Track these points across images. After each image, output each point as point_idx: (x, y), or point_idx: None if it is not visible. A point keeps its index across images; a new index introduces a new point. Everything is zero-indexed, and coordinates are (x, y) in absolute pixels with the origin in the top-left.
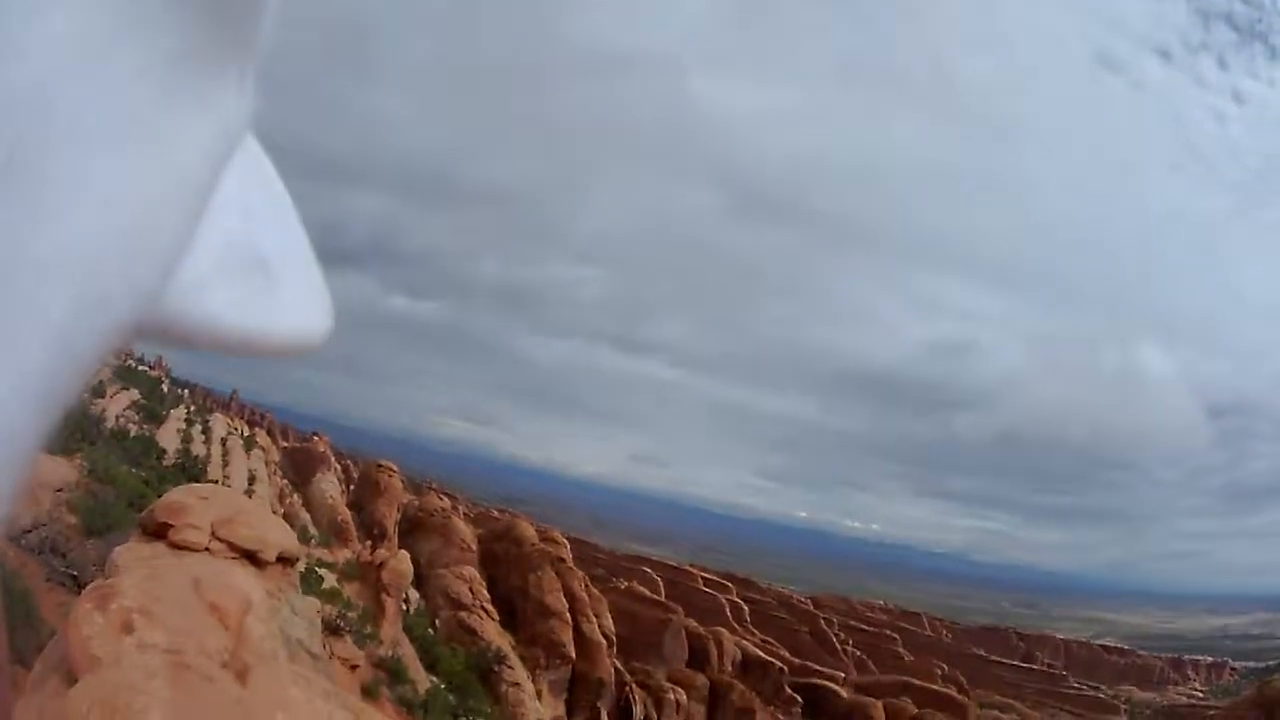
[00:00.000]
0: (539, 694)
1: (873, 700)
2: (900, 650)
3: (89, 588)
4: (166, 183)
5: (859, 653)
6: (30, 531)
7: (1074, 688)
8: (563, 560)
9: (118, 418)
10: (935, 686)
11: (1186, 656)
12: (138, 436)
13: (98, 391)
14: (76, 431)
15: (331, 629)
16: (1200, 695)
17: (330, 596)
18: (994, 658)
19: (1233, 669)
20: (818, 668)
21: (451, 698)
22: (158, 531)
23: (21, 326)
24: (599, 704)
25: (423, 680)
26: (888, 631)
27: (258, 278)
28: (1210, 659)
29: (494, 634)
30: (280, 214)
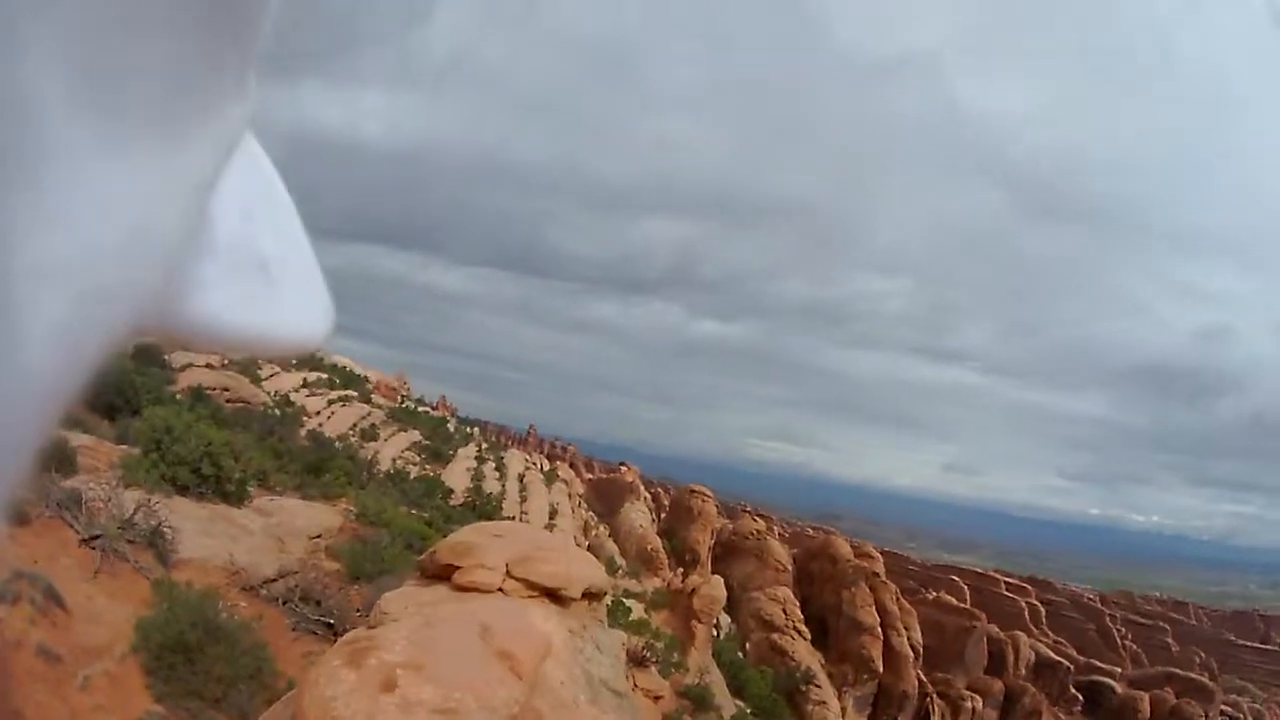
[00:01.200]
0: (843, 711)
1: (1141, 694)
2: (1169, 641)
3: (342, 639)
4: (167, 183)
5: (1135, 646)
6: (274, 581)
7: None
8: (877, 574)
9: (394, 460)
10: (1193, 675)
11: None
12: (419, 478)
13: (368, 435)
14: (341, 477)
15: (637, 660)
16: None
17: (638, 628)
18: (1241, 641)
19: None
20: (1099, 664)
21: None
22: (440, 574)
23: (22, 327)
24: (900, 716)
25: (729, 706)
26: (1160, 623)
27: (257, 279)
28: None
29: (805, 653)
30: (281, 215)
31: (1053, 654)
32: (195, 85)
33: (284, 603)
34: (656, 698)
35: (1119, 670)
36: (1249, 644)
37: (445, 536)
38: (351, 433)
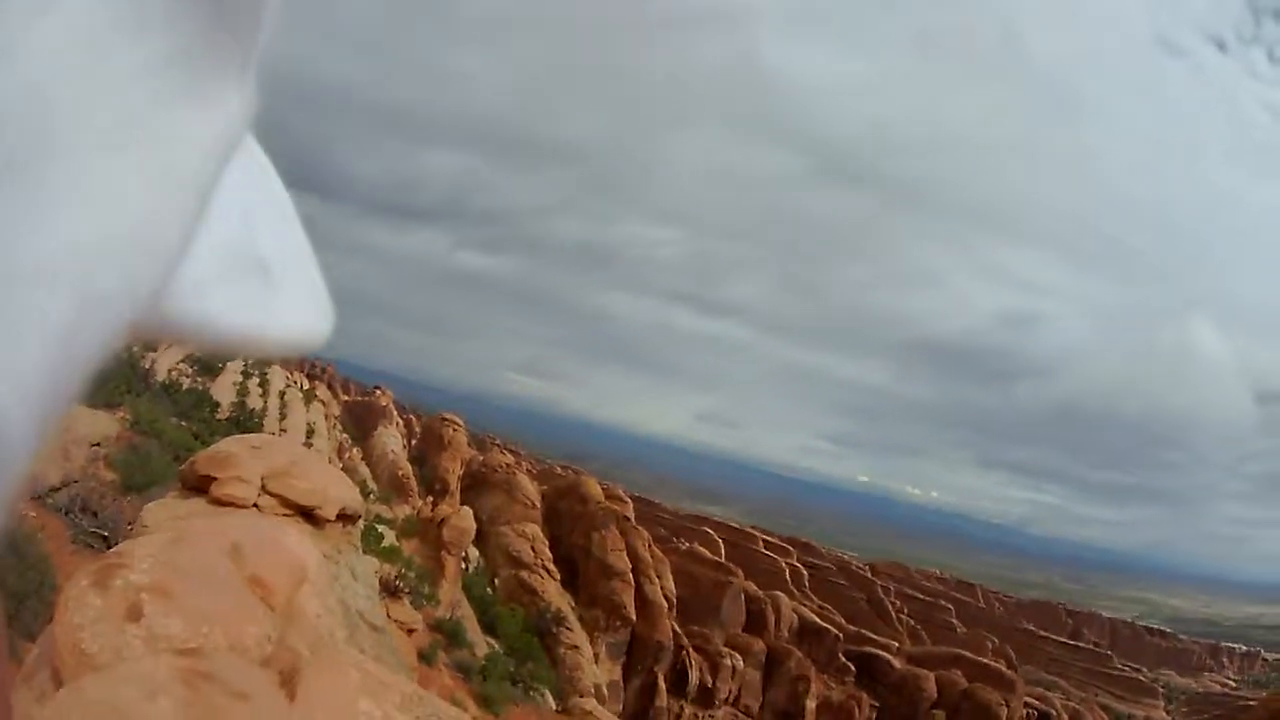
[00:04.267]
0: (595, 657)
1: (925, 672)
2: (954, 621)
3: (98, 560)
4: (166, 183)
5: (913, 622)
6: (58, 489)
7: (1117, 669)
8: (627, 519)
9: (170, 370)
10: (986, 660)
11: (1224, 644)
12: (190, 390)
13: (149, 345)
14: (121, 384)
15: (390, 590)
16: (1233, 685)
17: (389, 555)
18: (1043, 633)
19: (1265, 660)
20: (872, 636)
21: (510, 662)
22: (199, 485)
23: (21, 327)
24: (656, 668)
25: (480, 643)
26: (942, 601)
27: (257, 279)
28: (1244, 648)
29: (555, 594)
30: (281, 215)
31: (818, 619)
32: (195, 84)
33: (66, 513)
34: (410, 630)
35: (895, 645)
36: (1055, 637)
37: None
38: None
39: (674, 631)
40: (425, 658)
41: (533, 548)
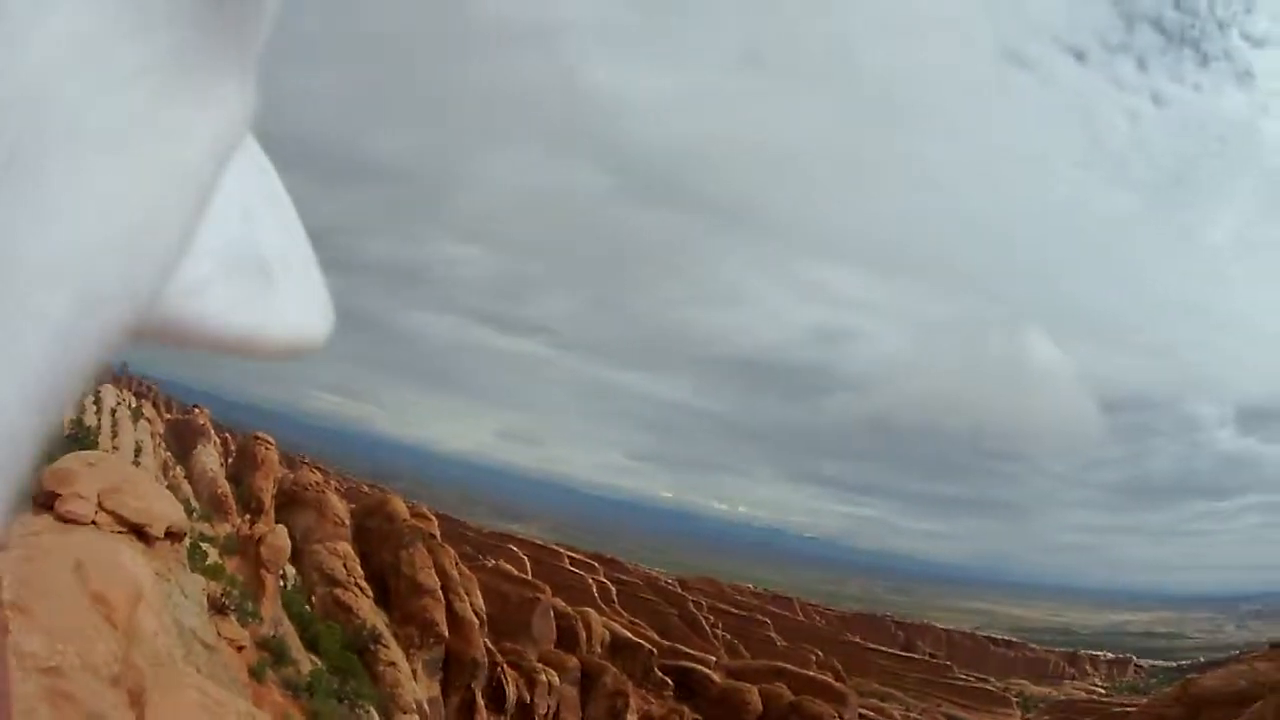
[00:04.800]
0: (414, 674)
1: (747, 685)
2: (772, 635)
3: None
4: (167, 183)
5: (729, 636)
6: None
7: (960, 679)
8: (433, 536)
9: None
10: (810, 673)
11: (1084, 651)
12: None
13: None
14: None
15: (217, 608)
16: (1102, 691)
17: (214, 573)
18: (871, 645)
19: (1138, 666)
20: (688, 650)
21: (334, 680)
22: (46, 502)
23: (21, 327)
24: (473, 684)
25: (304, 660)
26: (758, 616)
27: (257, 279)
28: (1111, 655)
29: (369, 611)
30: (280, 215)
31: (630, 635)
32: (196, 84)
33: None
34: (240, 647)
35: (713, 659)
36: (885, 649)
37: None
38: None
39: (488, 648)
40: (255, 674)
41: (345, 565)
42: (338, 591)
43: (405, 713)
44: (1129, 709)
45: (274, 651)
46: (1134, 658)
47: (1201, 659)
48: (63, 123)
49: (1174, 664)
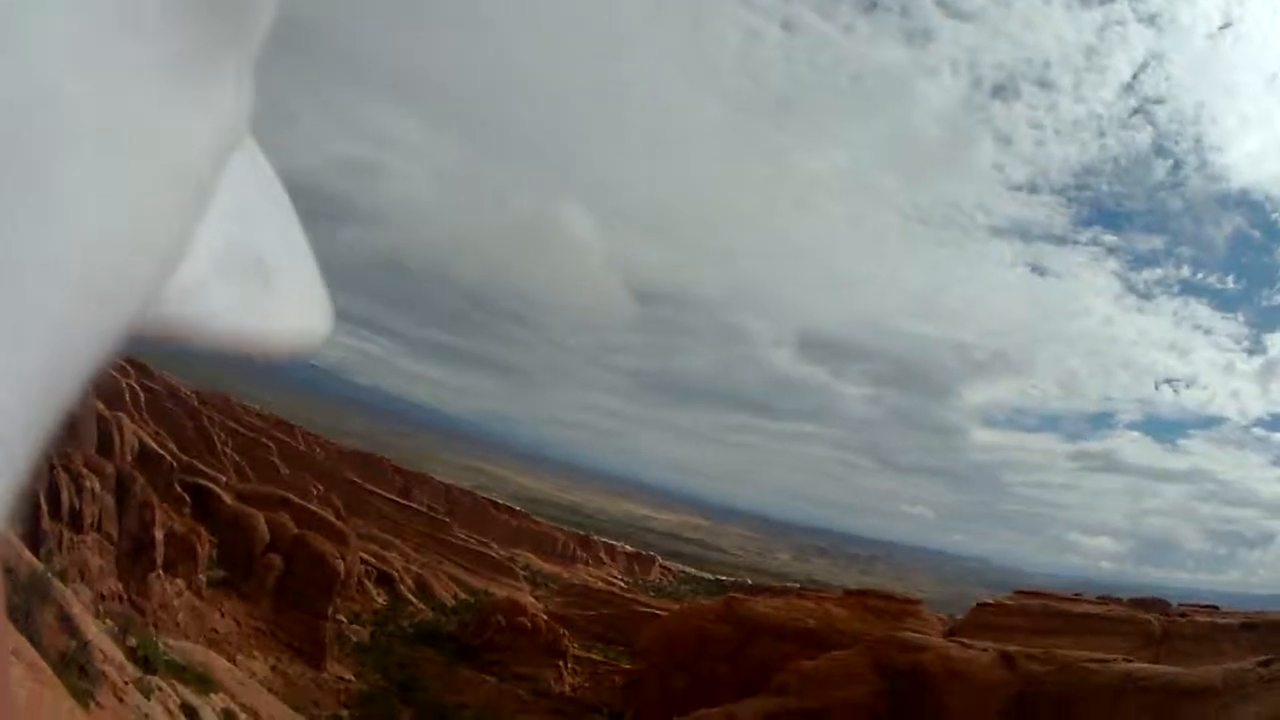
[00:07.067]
0: None
1: (255, 511)
2: (275, 460)
3: None
4: (166, 182)
5: (237, 457)
6: None
7: (460, 538)
8: None
9: None
10: (313, 507)
11: (598, 537)
12: None
13: None
14: None
15: None
16: (623, 585)
17: None
18: (371, 487)
19: (666, 569)
20: (202, 467)
21: None
22: None
23: (21, 327)
24: (38, 487)
25: None
26: (264, 439)
27: (256, 279)
28: (631, 548)
29: None
30: (280, 215)
31: (156, 446)
32: (195, 84)
33: None
34: None
35: (224, 479)
36: (385, 494)
37: None
38: None
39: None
40: None
41: None
42: None
43: None
44: (657, 610)
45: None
46: (659, 557)
47: (749, 580)
48: (63, 123)
49: (710, 576)
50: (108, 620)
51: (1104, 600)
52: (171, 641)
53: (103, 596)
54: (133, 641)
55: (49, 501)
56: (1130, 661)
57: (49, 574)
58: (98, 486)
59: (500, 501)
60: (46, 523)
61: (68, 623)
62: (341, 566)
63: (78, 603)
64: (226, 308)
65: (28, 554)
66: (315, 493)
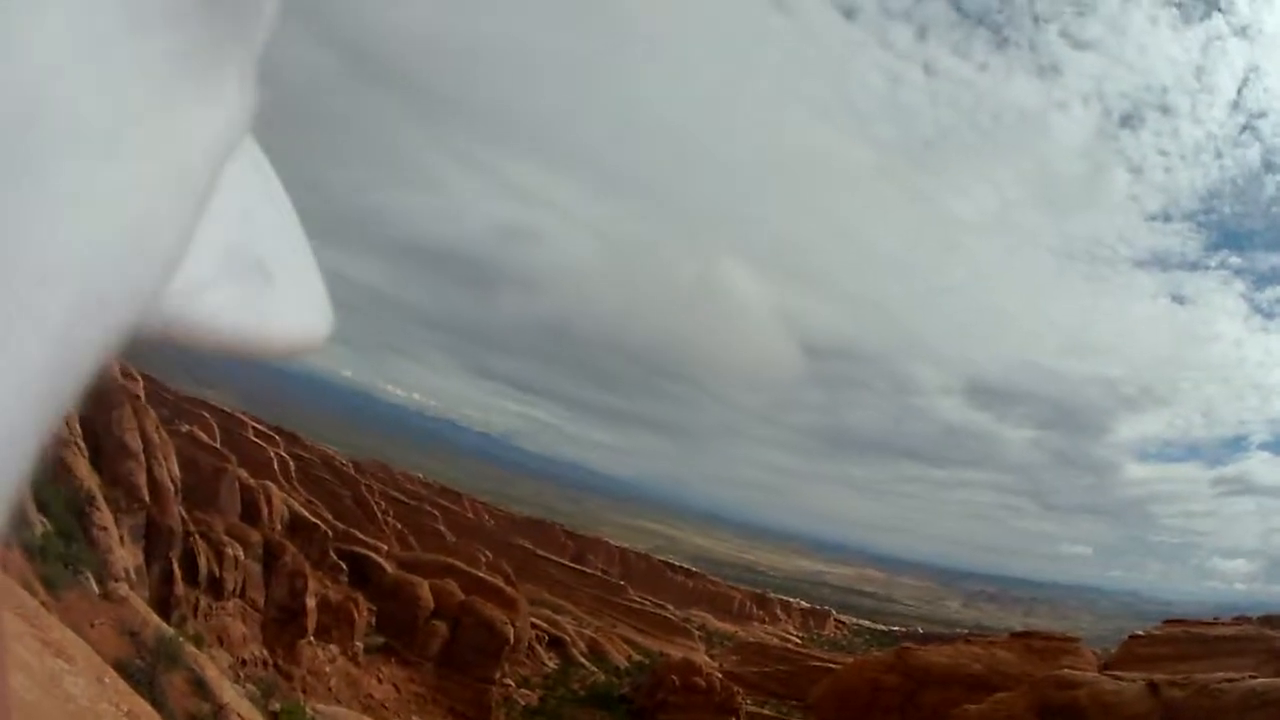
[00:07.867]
0: (121, 540)
1: (419, 579)
2: (441, 528)
3: None
4: (166, 183)
5: (399, 525)
6: None
7: (636, 601)
8: (138, 398)
9: None
10: (481, 574)
11: (774, 594)
12: None
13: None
14: None
15: None
16: (797, 640)
17: None
18: (541, 552)
19: (840, 623)
20: (361, 536)
21: (60, 543)
22: None
23: (21, 327)
24: (170, 554)
25: (36, 522)
26: (428, 507)
27: (256, 279)
28: (807, 604)
29: (86, 473)
30: (280, 216)
31: (308, 514)
32: (196, 83)
33: None
34: None
35: (384, 548)
36: (556, 559)
37: None
38: None
39: (181, 517)
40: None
41: (66, 422)
42: (61, 450)
43: (117, 580)
44: (831, 665)
45: (14, 512)
46: (833, 611)
47: (920, 630)
48: (63, 123)
49: (884, 628)
50: (249, 685)
51: (1237, 621)
52: (322, 706)
53: (244, 662)
54: (276, 706)
55: (183, 567)
56: (1254, 678)
57: (179, 638)
58: (241, 554)
59: (676, 563)
60: (181, 589)
61: (200, 686)
62: (511, 632)
63: (213, 667)
64: (226, 308)
65: (155, 618)
66: (484, 560)
